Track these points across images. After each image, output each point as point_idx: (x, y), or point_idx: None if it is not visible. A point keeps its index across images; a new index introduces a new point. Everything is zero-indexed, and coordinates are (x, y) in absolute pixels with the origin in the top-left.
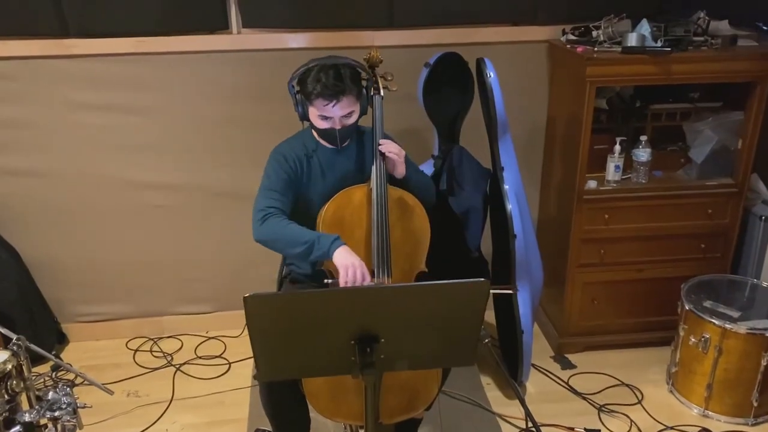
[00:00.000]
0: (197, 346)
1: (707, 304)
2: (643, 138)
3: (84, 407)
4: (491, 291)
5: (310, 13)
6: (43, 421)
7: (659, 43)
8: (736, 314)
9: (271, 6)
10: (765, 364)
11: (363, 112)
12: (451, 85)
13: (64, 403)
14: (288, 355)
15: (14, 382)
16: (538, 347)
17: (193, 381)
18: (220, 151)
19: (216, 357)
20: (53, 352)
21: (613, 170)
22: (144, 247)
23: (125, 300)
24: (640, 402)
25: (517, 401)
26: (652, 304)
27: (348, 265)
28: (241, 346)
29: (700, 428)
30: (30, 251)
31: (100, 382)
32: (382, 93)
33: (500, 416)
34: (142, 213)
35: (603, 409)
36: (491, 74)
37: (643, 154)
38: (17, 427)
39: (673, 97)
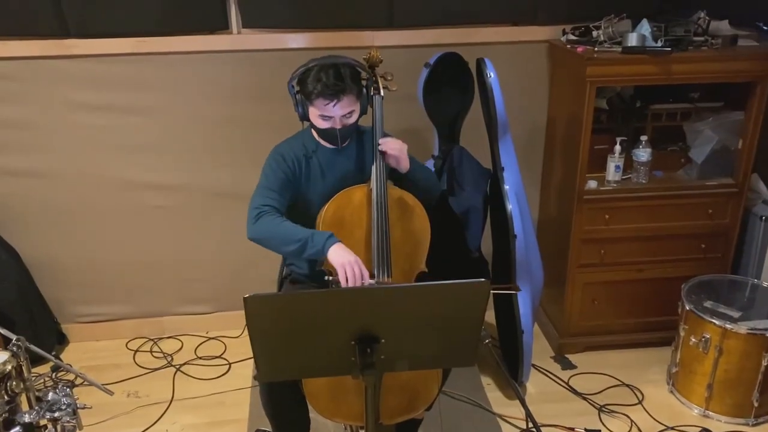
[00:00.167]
0: (197, 347)
1: (708, 304)
2: (644, 138)
3: (84, 408)
4: (494, 291)
5: (310, 13)
6: (43, 422)
7: (659, 43)
8: (736, 314)
9: (271, 6)
10: (765, 364)
11: (363, 112)
12: (452, 85)
13: (64, 403)
14: (288, 355)
15: (14, 382)
16: (538, 347)
17: (194, 381)
18: (221, 152)
19: (216, 357)
20: (53, 353)
21: (613, 170)
22: (144, 248)
23: (125, 300)
24: (640, 402)
25: (517, 402)
26: (653, 304)
27: (344, 263)
28: (242, 347)
29: (700, 428)
30: (30, 251)
31: (100, 382)
32: (382, 93)
33: (500, 416)
34: (142, 213)
35: (603, 409)
36: (491, 74)
37: (643, 154)
38: (17, 428)
39: (673, 97)
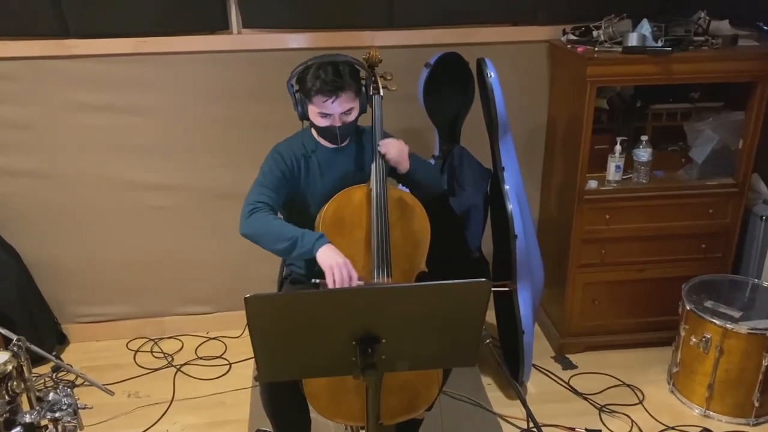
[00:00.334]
0: (198, 347)
1: (708, 304)
2: (644, 138)
3: (85, 408)
4: None
5: (310, 13)
6: (43, 422)
7: (660, 43)
8: (737, 314)
9: (272, 6)
10: (766, 364)
11: (362, 110)
12: (452, 85)
13: (65, 404)
14: (289, 355)
15: (15, 383)
16: (538, 347)
17: (194, 381)
18: (221, 151)
19: (216, 357)
20: (53, 353)
21: (613, 170)
22: (144, 248)
23: (126, 301)
24: (641, 402)
25: (517, 402)
26: (653, 304)
27: (333, 265)
28: (242, 347)
29: (701, 428)
30: (30, 252)
31: (101, 382)
32: (381, 93)
33: (501, 417)
34: (142, 213)
35: (604, 409)
36: (492, 74)
37: (643, 154)
38: (18, 428)
39: (673, 97)
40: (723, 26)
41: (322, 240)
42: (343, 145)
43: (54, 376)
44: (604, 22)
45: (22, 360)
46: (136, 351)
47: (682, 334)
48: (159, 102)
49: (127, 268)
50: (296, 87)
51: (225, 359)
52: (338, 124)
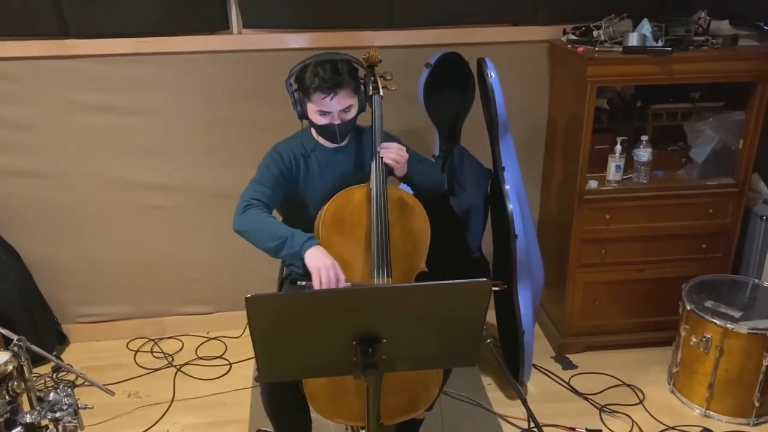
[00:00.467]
0: (198, 347)
1: (708, 304)
2: (644, 138)
3: (85, 408)
4: None
5: (310, 13)
6: (44, 422)
7: (660, 43)
8: (737, 314)
9: (272, 6)
10: (766, 364)
11: (362, 109)
12: (452, 85)
13: (66, 404)
14: (289, 355)
15: (15, 383)
16: (539, 347)
17: (194, 382)
18: (221, 152)
19: (217, 357)
20: (54, 353)
21: (614, 170)
22: (144, 248)
23: (126, 301)
24: (641, 402)
25: (518, 402)
26: (653, 304)
27: (320, 267)
28: (242, 347)
29: (701, 428)
30: (30, 252)
31: (101, 383)
32: (381, 92)
33: (501, 417)
34: (142, 213)
35: (604, 409)
36: (492, 74)
37: (644, 153)
38: (18, 428)
39: (674, 97)
40: (723, 26)
41: (312, 241)
42: (342, 144)
43: (54, 377)
44: (604, 22)
45: (23, 360)
46: (137, 351)
47: (683, 334)
48: (159, 102)
49: (127, 268)
50: (295, 86)
51: (225, 359)
52: (337, 122)
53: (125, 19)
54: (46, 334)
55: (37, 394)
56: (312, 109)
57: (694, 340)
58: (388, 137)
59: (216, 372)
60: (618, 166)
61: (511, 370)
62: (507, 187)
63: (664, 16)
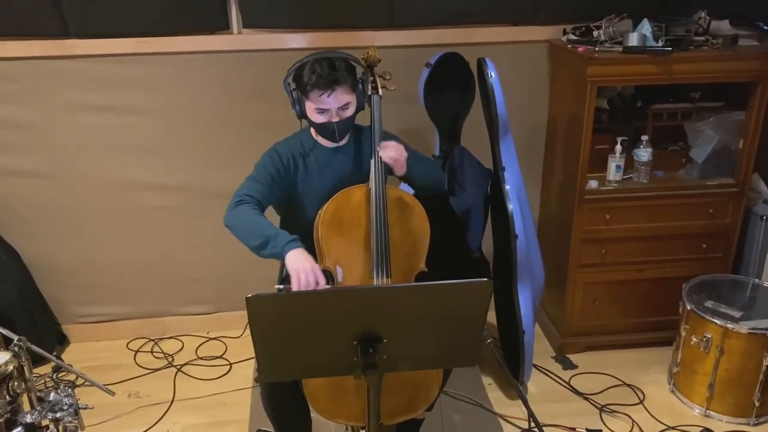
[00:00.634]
0: (198, 347)
1: (709, 304)
2: (644, 138)
3: (85, 408)
4: None
5: (310, 13)
6: (44, 422)
7: (660, 43)
8: (737, 314)
9: (272, 6)
10: (767, 363)
11: (360, 107)
12: (452, 85)
13: (66, 404)
14: (290, 355)
15: (15, 383)
16: (539, 347)
17: (194, 382)
18: (221, 152)
19: (217, 358)
20: (54, 353)
21: (614, 170)
22: (144, 248)
23: (126, 301)
24: (641, 402)
25: (518, 402)
26: (654, 304)
27: (299, 269)
28: (242, 347)
29: (701, 428)
30: (30, 252)
31: (101, 383)
32: (380, 92)
33: (502, 417)
34: (142, 213)
35: (604, 409)
36: (492, 74)
37: (644, 153)
38: (19, 429)
39: (674, 97)
40: (723, 26)
41: (294, 243)
42: (341, 143)
43: (55, 377)
44: (604, 22)
45: (23, 360)
46: (137, 351)
47: (683, 334)
48: (159, 102)
49: (127, 268)
50: (293, 85)
51: (225, 359)
52: (335, 119)
53: (125, 19)
54: (46, 334)
55: (38, 394)
56: (310, 108)
57: (695, 340)
58: (388, 137)
59: (216, 372)
60: (618, 166)
61: (512, 370)
62: (507, 187)
63: (664, 16)
